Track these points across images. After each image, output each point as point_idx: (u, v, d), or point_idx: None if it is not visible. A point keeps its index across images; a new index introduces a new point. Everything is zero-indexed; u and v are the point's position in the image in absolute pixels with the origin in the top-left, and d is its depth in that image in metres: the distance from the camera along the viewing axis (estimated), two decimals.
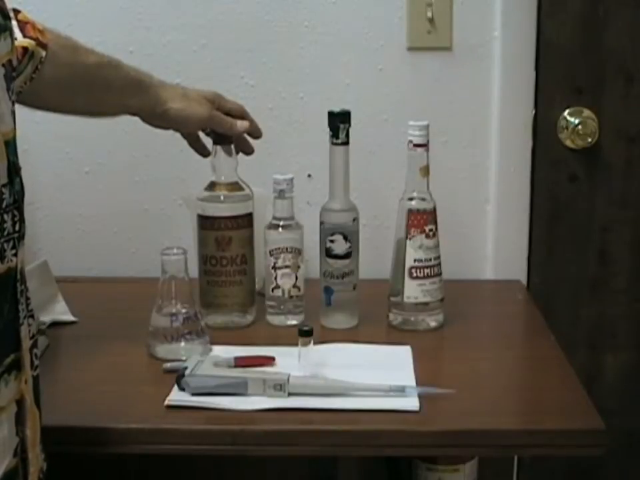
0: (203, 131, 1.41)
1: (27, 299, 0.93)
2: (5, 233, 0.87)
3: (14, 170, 0.89)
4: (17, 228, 0.90)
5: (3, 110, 0.88)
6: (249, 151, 1.44)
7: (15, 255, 0.89)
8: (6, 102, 0.90)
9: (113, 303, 1.57)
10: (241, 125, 1.38)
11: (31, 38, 1.18)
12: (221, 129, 1.38)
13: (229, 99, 1.40)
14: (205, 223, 1.42)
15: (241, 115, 1.40)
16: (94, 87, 1.28)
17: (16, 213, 0.90)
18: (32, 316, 0.95)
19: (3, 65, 0.90)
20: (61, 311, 1.47)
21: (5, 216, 0.88)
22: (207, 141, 1.43)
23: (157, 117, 1.34)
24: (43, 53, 1.20)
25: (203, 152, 1.42)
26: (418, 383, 1.20)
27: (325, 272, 1.43)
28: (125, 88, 1.30)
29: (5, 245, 0.87)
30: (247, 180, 1.44)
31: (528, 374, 1.37)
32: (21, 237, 0.91)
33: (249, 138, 1.43)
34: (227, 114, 1.38)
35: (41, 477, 0.96)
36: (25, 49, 1.17)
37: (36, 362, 0.95)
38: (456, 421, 1.15)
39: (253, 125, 1.41)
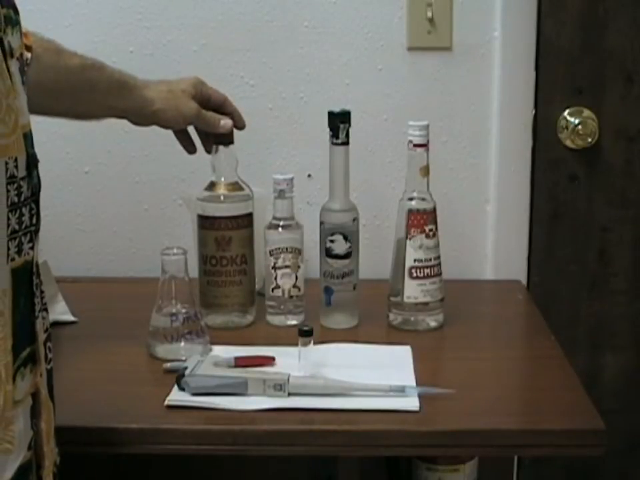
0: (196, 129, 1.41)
1: (42, 292, 0.93)
2: (23, 226, 0.88)
3: (32, 163, 0.90)
4: (33, 221, 0.90)
5: (22, 102, 0.88)
6: (240, 126, 1.42)
7: (32, 248, 0.89)
8: (23, 95, 0.90)
9: (113, 303, 1.57)
10: (225, 123, 1.38)
11: None
12: (206, 127, 1.38)
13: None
14: (205, 222, 1.42)
15: (222, 101, 1.39)
16: (78, 90, 1.28)
17: (33, 206, 0.90)
18: (46, 309, 0.95)
19: (17, 59, 0.90)
20: (61, 311, 1.47)
21: (23, 209, 0.88)
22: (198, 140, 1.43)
23: (144, 118, 1.34)
24: (28, 55, 1.18)
25: (189, 148, 1.41)
26: (418, 383, 1.21)
27: (325, 272, 1.43)
28: (109, 90, 1.30)
29: (23, 238, 0.87)
30: (247, 180, 1.44)
31: (528, 374, 1.37)
32: (37, 231, 0.91)
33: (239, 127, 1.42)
34: (209, 99, 1.38)
35: (55, 471, 0.97)
36: None
37: (50, 355, 0.95)
38: (456, 421, 1.15)
39: (235, 114, 1.41)
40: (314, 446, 1.14)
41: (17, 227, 0.86)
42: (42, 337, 0.92)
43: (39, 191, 0.92)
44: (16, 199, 0.86)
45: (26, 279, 0.89)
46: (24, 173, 0.88)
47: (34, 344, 0.90)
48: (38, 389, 0.91)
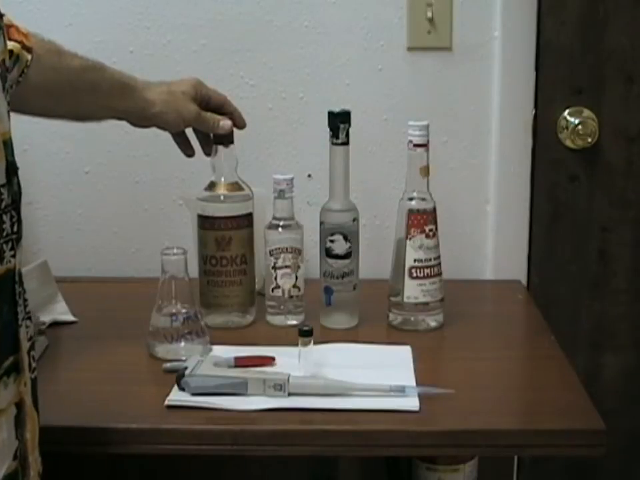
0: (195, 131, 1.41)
1: (25, 300, 0.93)
2: (4, 234, 0.87)
3: (12, 170, 0.89)
4: (15, 229, 0.89)
5: (1, 110, 0.88)
6: (240, 125, 1.42)
7: (13, 256, 0.89)
8: (3, 102, 0.89)
9: (113, 303, 1.57)
10: (224, 124, 1.38)
11: (15, 41, 1.17)
12: (206, 128, 1.38)
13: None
14: (205, 223, 1.42)
15: (222, 102, 1.40)
16: (80, 91, 1.27)
17: (14, 213, 0.90)
18: (29, 318, 0.94)
19: None
20: (61, 311, 1.47)
21: (4, 217, 0.87)
22: (194, 142, 1.43)
23: (144, 120, 1.34)
24: (29, 57, 1.18)
25: (188, 152, 1.42)
26: (418, 383, 1.20)
27: (325, 272, 1.43)
28: (110, 91, 1.30)
29: (4, 246, 0.87)
30: (247, 180, 1.44)
31: (528, 374, 1.37)
32: (19, 238, 0.91)
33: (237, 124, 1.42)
34: (209, 101, 1.38)
35: None
36: (10, 52, 1.15)
37: (34, 364, 0.95)
38: (456, 421, 1.15)
39: (235, 114, 1.41)
40: (314, 446, 1.14)
41: None
42: (25, 345, 0.92)
43: (20, 198, 0.91)
44: None
45: (8, 288, 0.88)
46: (4, 180, 0.87)
47: (17, 353, 0.90)
48: (22, 399, 0.91)
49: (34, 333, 0.97)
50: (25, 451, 0.92)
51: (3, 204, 0.87)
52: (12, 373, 0.89)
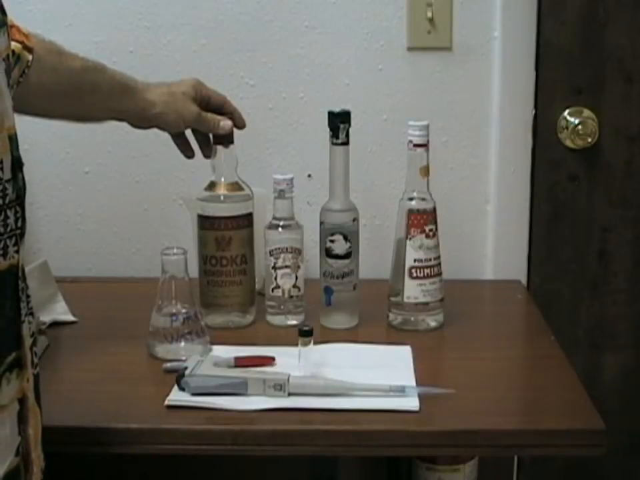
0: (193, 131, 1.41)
1: (28, 296, 0.93)
2: (8, 229, 0.88)
3: (17, 165, 0.90)
4: (19, 224, 0.90)
5: (6, 105, 0.88)
6: (240, 125, 1.42)
7: (17, 251, 0.89)
8: (8, 97, 0.90)
9: (113, 303, 1.57)
10: (224, 124, 1.38)
11: (16, 41, 1.16)
12: (206, 129, 1.39)
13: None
14: (205, 223, 1.42)
15: (222, 102, 1.40)
16: (80, 92, 1.28)
17: (18, 209, 0.90)
18: (32, 314, 0.95)
19: (3, 60, 0.90)
20: (61, 311, 1.47)
21: (8, 212, 0.88)
22: (193, 143, 1.43)
23: (145, 121, 1.34)
24: (30, 57, 1.18)
25: (187, 153, 1.42)
26: (418, 383, 1.21)
27: (325, 272, 1.43)
28: (111, 92, 1.30)
29: (8, 241, 0.87)
30: (247, 180, 1.44)
31: (528, 374, 1.37)
32: (23, 234, 0.91)
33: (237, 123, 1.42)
34: (208, 101, 1.38)
35: (42, 477, 0.96)
36: (12, 52, 1.16)
37: (36, 360, 0.95)
38: (456, 421, 1.15)
39: (235, 114, 1.41)
40: (314, 446, 1.14)
41: (1, 230, 0.86)
42: (28, 341, 0.92)
43: (24, 194, 0.91)
44: (0, 202, 0.86)
45: (11, 283, 0.89)
46: (9, 176, 0.87)
47: (20, 349, 0.90)
48: (25, 395, 0.91)
49: (36, 329, 0.97)
50: (28, 447, 0.92)
51: (8, 199, 0.87)
52: (15, 369, 0.89)
